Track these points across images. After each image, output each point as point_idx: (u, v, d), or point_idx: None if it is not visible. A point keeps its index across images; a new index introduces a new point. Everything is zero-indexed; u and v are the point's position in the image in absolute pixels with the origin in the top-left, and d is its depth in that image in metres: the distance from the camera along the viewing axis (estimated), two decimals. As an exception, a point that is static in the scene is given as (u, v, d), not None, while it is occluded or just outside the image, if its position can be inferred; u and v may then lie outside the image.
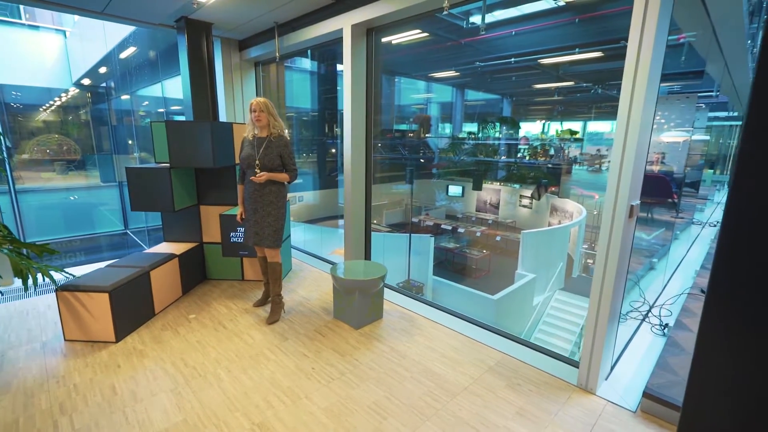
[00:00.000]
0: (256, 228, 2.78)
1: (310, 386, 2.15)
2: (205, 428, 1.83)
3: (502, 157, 8.63)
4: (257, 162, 2.67)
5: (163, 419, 1.88)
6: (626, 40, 1.81)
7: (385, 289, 3.51)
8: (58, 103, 10.37)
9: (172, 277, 3.16)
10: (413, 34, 3.81)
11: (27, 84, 9.57)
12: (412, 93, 8.66)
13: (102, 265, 3.04)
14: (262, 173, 2.66)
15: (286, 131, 2.82)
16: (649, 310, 3.15)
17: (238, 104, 4.80)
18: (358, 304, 2.80)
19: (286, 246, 3.88)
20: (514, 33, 5.62)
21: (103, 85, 9.53)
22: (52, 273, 2.34)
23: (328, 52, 5.84)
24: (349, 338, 2.69)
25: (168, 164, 3.12)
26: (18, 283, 3.34)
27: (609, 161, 1.90)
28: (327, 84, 6.35)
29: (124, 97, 9.24)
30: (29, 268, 2.25)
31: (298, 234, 6.66)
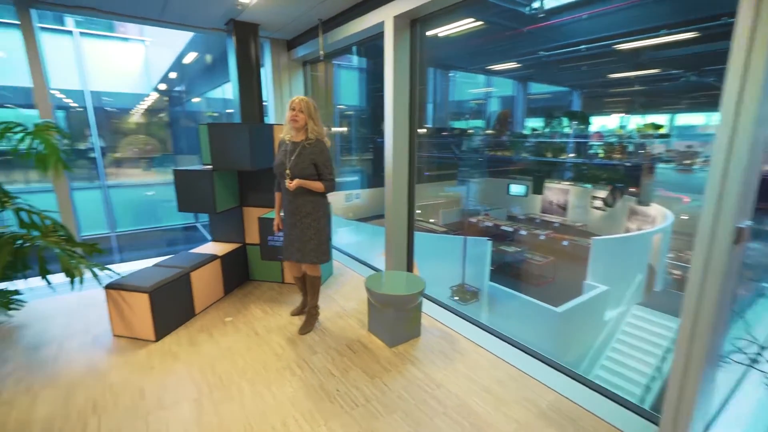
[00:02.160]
0: (298, 244, 2.55)
1: (332, 411, 1.99)
2: (218, 449, 1.74)
3: (569, 155, 7.83)
4: (287, 171, 2.47)
5: (180, 433, 1.83)
6: (729, 15, 1.38)
7: (426, 302, 3.25)
8: (143, 107, 11.50)
9: (214, 278, 3.20)
10: (465, 24, 3.48)
11: (118, 90, 10.70)
12: (469, 88, 8.19)
13: (152, 263, 3.16)
14: (293, 181, 2.43)
15: (326, 138, 2.56)
16: (759, 353, 2.52)
17: (287, 104, 4.79)
18: (392, 320, 2.58)
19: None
20: (585, 17, 4.98)
21: (177, 89, 10.33)
22: (97, 271, 2.42)
23: (376, 47, 5.67)
24: (380, 357, 2.49)
25: (211, 166, 3.15)
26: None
27: (703, 159, 1.45)
28: (378, 81, 6.17)
29: (195, 99, 9.93)
30: (77, 267, 2.35)
31: (348, 234, 6.59)
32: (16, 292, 2.83)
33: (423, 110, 3.42)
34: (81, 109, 9.06)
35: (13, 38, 3.67)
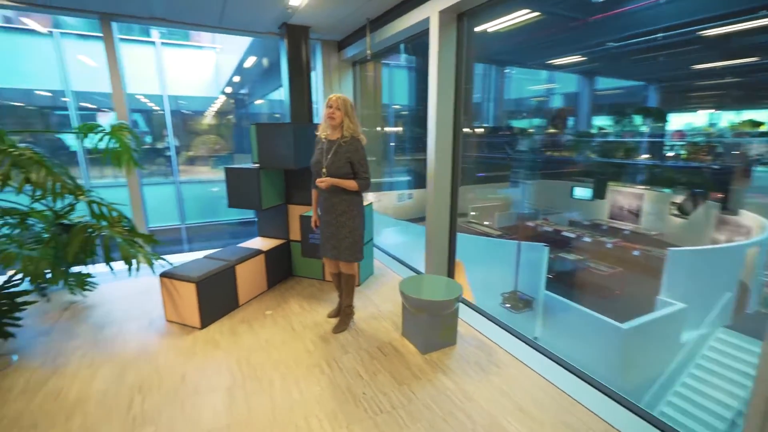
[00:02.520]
0: (334, 242, 2.59)
1: (355, 414, 1.96)
2: (243, 440, 1.79)
3: (642, 156, 7.11)
4: (324, 170, 2.49)
5: (211, 420, 1.91)
6: None
7: (465, 309, 3.11)
8: (213, 109, 12.48)
9: (258, 271, 3.33)
10: (519, 16, 3.26)
11: (191, 94, 11.72)
12: (527, 84, 7.73)
13: (203, 254, 3.37)
14: (325, 178, 2.45)
15: (362, 135, 2.57)
16: None
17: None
18: (426, 326, 2.49)
19: (368, 249, 3.77)
20: (662, 1, 4.46)
21: (241, 92, 11.02)
22: (152, 260, 2.63)
23: (426, 45, 5.55)
24: (411, 363, 2.41)
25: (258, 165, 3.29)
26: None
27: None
28: (423, 82, 6.06)
29: (258, 102, 10.54)
30: (135, 255, 2.57)
31: (395, 234, 6.55)
32: (89, 275, 3.17)
33: (470, 109, 3.28)
34: (160, 112, 9.98)
35: (98, 49, 4.12)
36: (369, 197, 5.68)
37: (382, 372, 2.32)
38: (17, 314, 2.47)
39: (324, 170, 2.48)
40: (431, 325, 2.51)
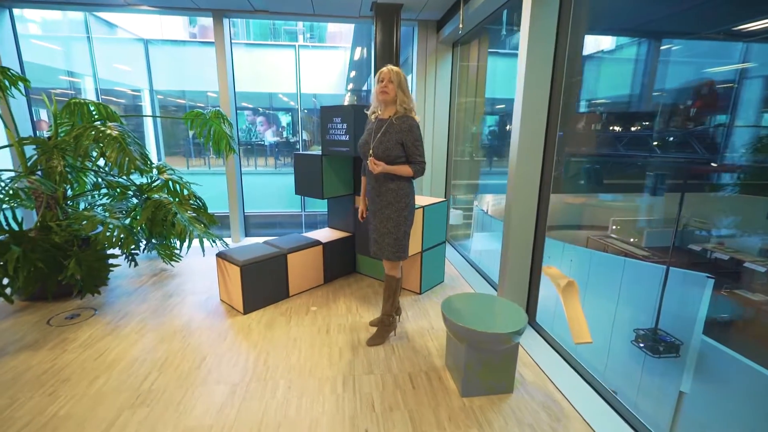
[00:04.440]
0: (376, 235, 2.29)
1: (342, 458, 1.56)
2: (212, 451, 1.58)
3: None
4: (371, 152, 2.17)
5: (198, 416, 1.77)
6: None
7: (539, 343, 2.37)
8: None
9: (314, 263, 3.18)
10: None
11: (325, 92, 12.74)
12: (698, 66, 5.82)
13: (263, 240, 3.38)
14: (378, 163, 2.13)
15: (415, 113, 2.17)
16: None
17: (430, 90, 4.43)
18: (470, 362, 1.91)
19: (438, 254, 3.26)
20: None
21: (363, 88, 11.39)
22: (205, 239, 2.69)
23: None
24: (443, 406, 1.87)
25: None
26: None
27: None
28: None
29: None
30: (191, 232, 2.66)
31: (487, 239, 5.77)
32: (175, 247, 3.51)
33: (576, 95, 2.49)
34: (296, 110, 11.01)
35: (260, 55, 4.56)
36: (486, 199, 5.05)
37: (400, 409, 1.85)
38: (106, 275, 2.82)
39: (371, 152, 2.16)
40: (477, 361, 1.92)
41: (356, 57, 7.46)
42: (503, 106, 5.74)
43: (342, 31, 11.53)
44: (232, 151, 3.82)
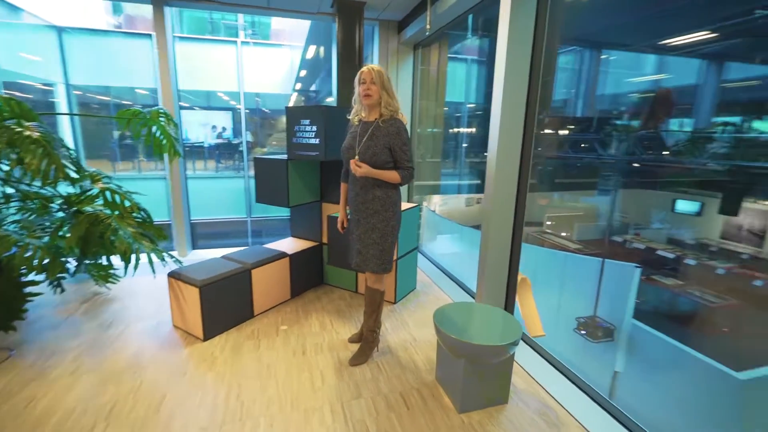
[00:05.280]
0: (359, 245, 2.11)
1: (346, 504, 1.38)
2: None
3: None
4: (356, 157, 2.01)
5: (164, 475, 1.48)
6: None
7: (526, 350, 2.36)
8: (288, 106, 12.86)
9: (280, 277, 2.92)
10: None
11: (269, 92, 12.13)
12: (629, 75, 6.42)
13: (221, 253, 3.05)
14: (361, 165, 1.96)
15: (402, 115, 2.04)
16: None
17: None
18: (467, 376, 1.83)
19: (411, 261, 3.16)
20: None
21: (312, 89, 11.04)
22: (153, 257, 2.32)
23: (490, 28, 4.73)
24: (442, 426, 1.76)
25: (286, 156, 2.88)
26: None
27: None
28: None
29: (329, 99, 10.47)
30: (137, 250, 2.28)
31: (452, 242, 5.85)
32: (111, 267, 3.03)
33: (549, 97, 2.52)
34: (240, 109, 10.37)
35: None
36: (434, 200, 5.05)
37: (398, 435, 1.71)
38: (21, 306, 2.32)
39: (357, 157, 1.99)
40: (474, 375, 1.84)
41: (309, 56, 7.17)
42: (480, 112, 5.84)
43: (287, 29, 11.10)
44: (177, 154, 3.40)
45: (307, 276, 3.20)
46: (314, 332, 2.57)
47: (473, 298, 3.17)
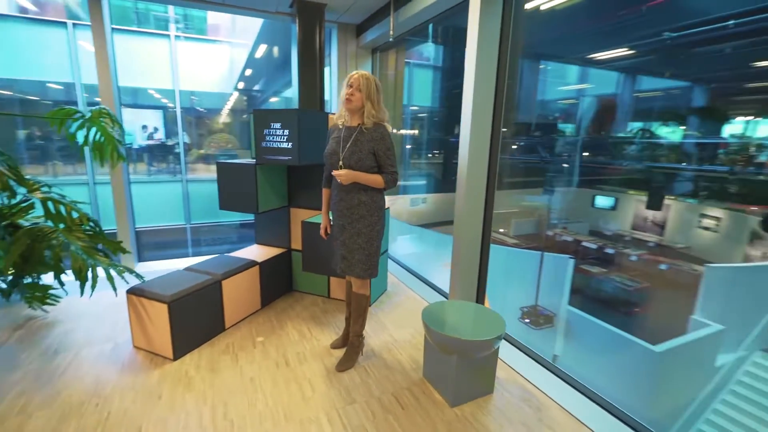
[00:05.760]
0: (344, 251, 2.09)
1: None
2: None
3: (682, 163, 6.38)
4: (341, 163, 1.99)
5: None
6: None
7: (503, 343, 2.51)
8: (228, 106, 12.10)
9: (251, 287, 2.80)
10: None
11: (206, 90, 11.36)
12: (560, 83, 7.09)
13: (184, 265, 2.84)
14: (344, 170, 1.95)
15: (388, 123, 2.05)
16: None
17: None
18: (458, 370, 1.91)
19: (382, 262, 3.20)
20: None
21: (255, 88, 10.60)
22: (114, 273, 2.11)
23: (453, 39, 5.01)
24: (438, 421, 1.83)
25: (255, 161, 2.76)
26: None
27: None
28: (454, 78, 5.51)
29: (273, 99, 10.11)
30: (93, 266, 2.05)
31: (409, 242, 6.00)
32: (50, 287, 2.67)
33: (512, 106, 2.70)
34: (173, 108, 9.63)
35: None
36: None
37: (399, 435, 1.74)
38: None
39: (341, 163, 1.97)
40: (463, 369, 1.92)
41: (258, 54, 6.89)
42: (424, 114, 6.02)
43: (225, 24, 10.57)
44: (121, 158, 3.10)
45: (277, 284, 3.10)
46: (294, 341, 2.50)
47: (441, 295, 3.29)
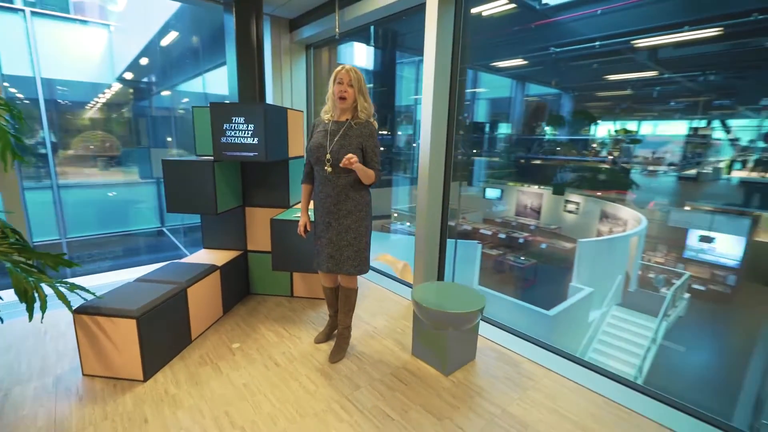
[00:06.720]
0: (331, 249, 2.06)
1: (408, 475, 1.48)
2: None
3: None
4: (328, 156, 1.99)
5: None
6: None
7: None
8: (103, 99, 10.30)
9: (213, 294, 2.59)
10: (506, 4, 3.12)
11: (74, 79, 9.51)
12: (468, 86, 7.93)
13: (132, 275, 2.51)
14: (352, 156, 1.83)
15: (375, 121, 2.08)
16: None
17: (287, 92, 4.24)
18: (448, 343, 2.11)
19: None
20: (599, 12, 4.82)
21: (145, 80, 9.36)
22: (64, 290, 1.79)
23: (386, 40, 5.24)
24: (440, 389, 2.01)
25: (211, 157, 2.57)
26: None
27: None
28: (382, 78, 5.76)
29: (165, 93, 9.01)
30: (36, 287, 1.71)
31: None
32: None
33: (462, 102, 3.01)
34: (30, 100, 8.00)
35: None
36: None
37: (412, 407, 1.87)
38: None
39: (328, 156, 1.97)
40: (453, 341, 2.14)
41: (165, 42, 6.14)
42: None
43: (95, 2, 9.16)
44: (17, 158, 2.56)
45: (236, 289, 2.92)
46: (274, 342, 2.41)
47: (399, 283, 3.49)
